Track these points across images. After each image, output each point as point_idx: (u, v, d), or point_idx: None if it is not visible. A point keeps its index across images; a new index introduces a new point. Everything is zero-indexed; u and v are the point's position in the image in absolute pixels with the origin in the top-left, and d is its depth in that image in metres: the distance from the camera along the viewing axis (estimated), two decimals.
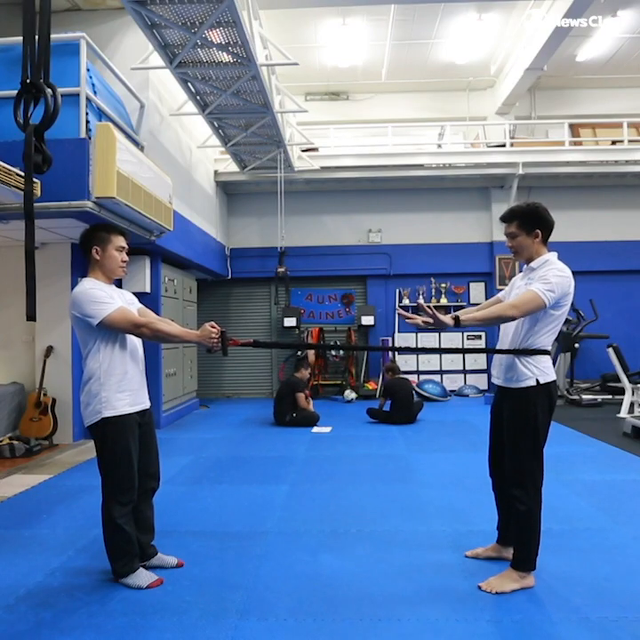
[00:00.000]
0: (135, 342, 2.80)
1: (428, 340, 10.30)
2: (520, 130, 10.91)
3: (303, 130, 9.03)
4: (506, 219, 2.79)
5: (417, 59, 9.95)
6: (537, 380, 2.62)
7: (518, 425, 2.64)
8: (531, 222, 2.72)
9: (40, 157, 2.22)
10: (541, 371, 2.64)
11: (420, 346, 10.36)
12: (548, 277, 2.57)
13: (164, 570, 2.83)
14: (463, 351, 12.44)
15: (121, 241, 2.79)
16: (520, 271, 2.91)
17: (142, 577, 2.68)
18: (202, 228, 8.51)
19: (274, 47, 6.57)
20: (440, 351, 11.21)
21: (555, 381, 2.69)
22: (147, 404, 2.83)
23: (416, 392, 8.26)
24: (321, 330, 10.32)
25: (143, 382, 2.83)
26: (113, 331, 2.64)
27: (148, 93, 6.56)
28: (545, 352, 2.67)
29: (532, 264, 2.74)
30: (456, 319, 2.57)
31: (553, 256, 2.74)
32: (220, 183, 9.84)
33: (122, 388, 2.67)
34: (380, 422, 7.37)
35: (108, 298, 2.63)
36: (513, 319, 2.58)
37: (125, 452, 2.64)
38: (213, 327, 2.63)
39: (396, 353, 10.27)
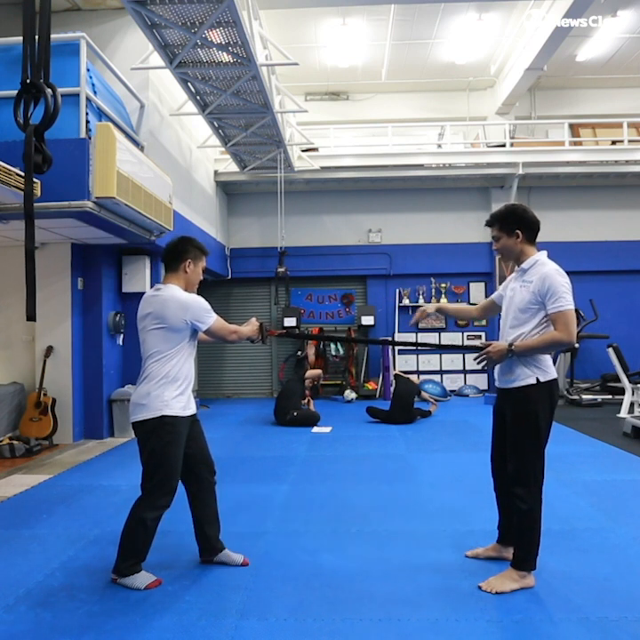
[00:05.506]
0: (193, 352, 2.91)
1: (429, 340, 10.29)
2: (520, 130, 10.91)
3: (303, 130, 9.03)
4: (488, 223, 2.86)
5: (417, 59, 9.96)
6: (537, 379, 2.62)
7: (521, 424, 2.64)
8: (510, 224, 2.74)
9: (40, 157, 2.23)
10: (542, 369, 2.64)
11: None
12: (556, 290, 2.56)
13: (164, 570, 2.82)
14: (463, 348, 12.41)
15: (205, 262, 2.98)
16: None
17: (141, 578, 2.68)
18: (202, 228, 8.51)
19: (274, 47, 6.58)
20: (440, 348, 11.20)
21: (556, 379, 2.69)
22: (195, 409, 2.90)
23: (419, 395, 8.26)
24: (321, 330, 10.31)
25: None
26: (210, 337, 2.86)
27: (147, 93, 6.56)
28: None
29: (523, 265, 2.75)
30: (510, 346, 2.61)
31: (542, 255, 2.74)
32: (220, 183, 9.85)
33: (181, 391, 2.75)
34: (380, 422, 7.38)
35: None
36: (570, 344, 2.60)
37: (173, 454, 2.69)
38: (257, 321, 3.05)
39: (397, 353, 10.29)
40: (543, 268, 2.66)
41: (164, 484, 2.68)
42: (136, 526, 2.66)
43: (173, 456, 2.69)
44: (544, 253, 2.76)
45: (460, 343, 10.37)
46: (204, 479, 2.88)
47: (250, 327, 3.01)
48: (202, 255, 2.93)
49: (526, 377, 2.63)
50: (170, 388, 2.70)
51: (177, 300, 2.72)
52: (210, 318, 2.76)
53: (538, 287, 2.61)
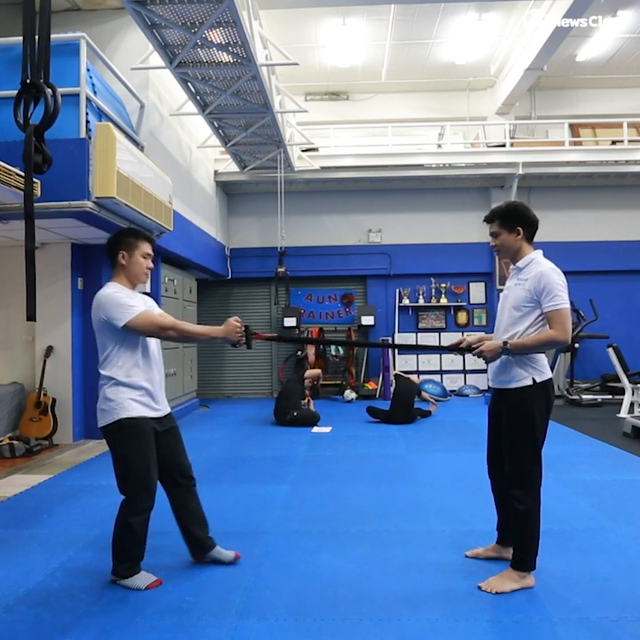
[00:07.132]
0: (155, 349, 2.77)
1: (429, 339, 10.30)
2: (520, 130, 10.91)
3: (303, 130, 9.03)
4: (488, 219, 2.82)
5: (417, 59, 9.95)
6: (533, 380, 2.62)
7: (517, 425, 2.63)
8: (511, 220, 2.73)
9: (40, 157, 2.22)
10: (537, 370, 2.63)
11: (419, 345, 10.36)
12: (551, 288, 2.56)
13: (164, 571, 2.82)
14: (459, 349, 12.39)
15: (147, 248, 2.82)
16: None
17: (141, 578, 2.68)
18: (202, 228, 8.51)
19: (274, 47, 6.58)
20: (440, 349, 11.21)
21: (551, 380, 2.68)
22: (165, 410, 2.79)
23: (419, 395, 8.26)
24: (321, 330, 10.31)
25: (162, 388, 2.80)
26: (136, 334, 2.63)
27: (147, 93, 6.56)
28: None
29: (519, 264, 2.74)
30: (505, 344, 2.59)
31: (538, 254, 2.74)
32: (220, 183, 9.84)
33: (139, 392, 2.65)
34: (380, 422, 7.38)
35: (132, 302, 2.64)
36: (565, 343, 2.59)
37: (139, 457, 2.62)
38: (237, 322, 2.64)
39: (397, 353, 10.28)
40: (538, 266, 2.65)
41: (140, 487, 2.62)
42: (123, 530, 2.63)
43: (140, 458, 2.62)
44: (540, 252, 2.76)
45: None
46: (179, 483, 2.81)
47: (223, 328, 2.62)
48: (136, 242, 2.74)
49: (522, 378, 2.63)
50: (122, 390, 2.60)
51: (96, 299, 2.63)
52: (124, 314, 2.54)
53: (533, 285, 2.61)
